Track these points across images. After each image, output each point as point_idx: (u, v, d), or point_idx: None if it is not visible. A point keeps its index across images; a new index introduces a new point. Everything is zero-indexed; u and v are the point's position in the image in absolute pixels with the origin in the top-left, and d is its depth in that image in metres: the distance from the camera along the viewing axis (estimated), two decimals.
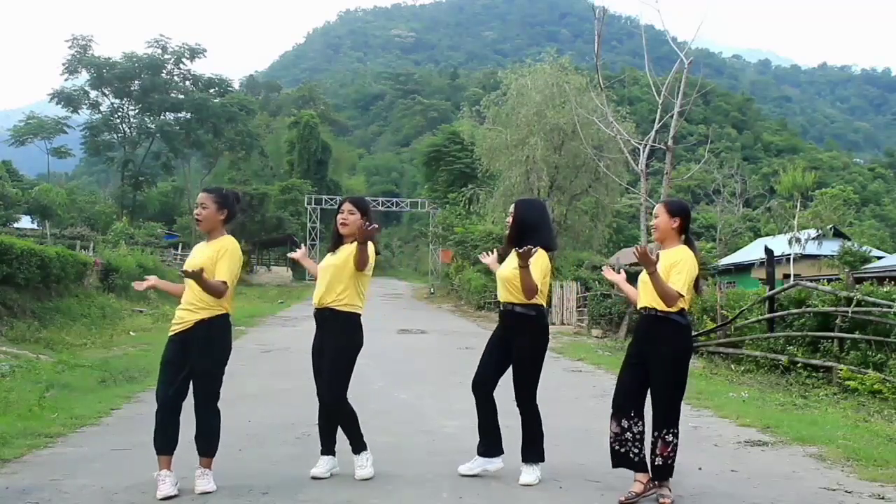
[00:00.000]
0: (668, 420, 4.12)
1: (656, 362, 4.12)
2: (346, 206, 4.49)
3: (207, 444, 4.17)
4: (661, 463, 4.09)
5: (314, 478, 4.40)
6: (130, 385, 8.02)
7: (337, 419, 4.46)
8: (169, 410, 4.10)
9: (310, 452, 4.65)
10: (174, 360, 4.14)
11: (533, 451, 4.50)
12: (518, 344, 4.50)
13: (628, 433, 4.17)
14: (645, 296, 4.18)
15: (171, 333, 4.21)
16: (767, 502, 4.20)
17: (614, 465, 4.25)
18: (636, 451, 4.18)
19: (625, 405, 4.19)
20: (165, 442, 4.10)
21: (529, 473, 4.46)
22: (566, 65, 27.66)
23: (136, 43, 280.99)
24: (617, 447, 4.20)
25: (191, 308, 4.16)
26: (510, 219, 4.66)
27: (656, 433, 4.10)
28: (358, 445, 4.48)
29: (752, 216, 50.69)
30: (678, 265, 4.10)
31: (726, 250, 40.62)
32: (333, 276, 4.43)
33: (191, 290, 4.19)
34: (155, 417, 4.12)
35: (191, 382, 4.14)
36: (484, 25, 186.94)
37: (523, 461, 4.50)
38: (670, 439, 4.10)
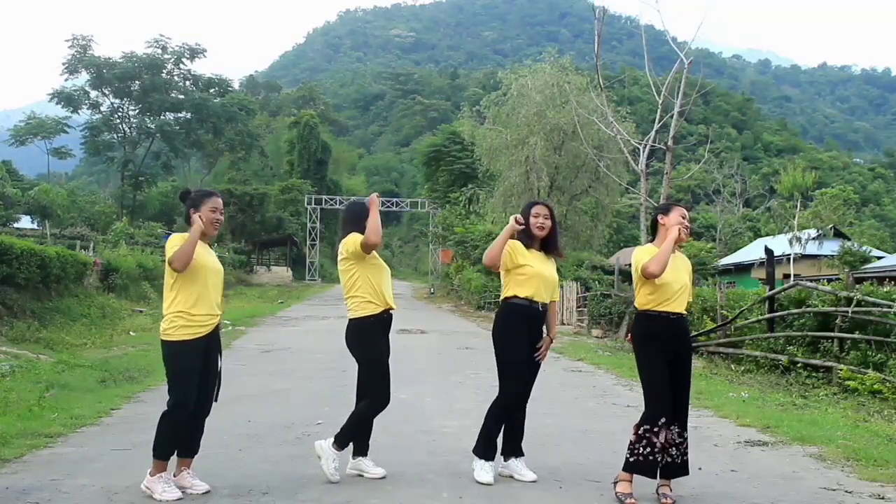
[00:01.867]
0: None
1: (687, 362, 4.23)
2: None
3: (198, 443, 4.21)
4: (684, 461, 4.14)
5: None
6: (130, 385, 8.02)
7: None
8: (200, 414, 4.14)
9: (309, 452, 4.64)
10: (200, 362, 4.08)
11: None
12: (536, 341, 4.54)
13: (678, 439, 4.11)
14: (682, 301, 4.21)
15: (195, 336, 4.02)
16: (767, 502, 4.20)
17: (664, 476, 4.11)
18: (679, 454, 4.13)
19: (669, 413, 4.09)
20: (196, 445, 4.17)
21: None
22: (566, 65, 27.67)
23: (136, 43, 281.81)
24: (660, 457, 4.04)
25: (216, 310, 4.15)
26: (544, 220, 4.51)
27: (683, 431, 4.13)
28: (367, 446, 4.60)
29: (752, 216, 50.73)
30: None
31: (726, 250, 40.65)
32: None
33: (215, 290, 4.14)
34: (182, 422, 4.02)
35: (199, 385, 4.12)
36: (484, 25, 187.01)
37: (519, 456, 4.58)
38: (688, 436, 4.19)
